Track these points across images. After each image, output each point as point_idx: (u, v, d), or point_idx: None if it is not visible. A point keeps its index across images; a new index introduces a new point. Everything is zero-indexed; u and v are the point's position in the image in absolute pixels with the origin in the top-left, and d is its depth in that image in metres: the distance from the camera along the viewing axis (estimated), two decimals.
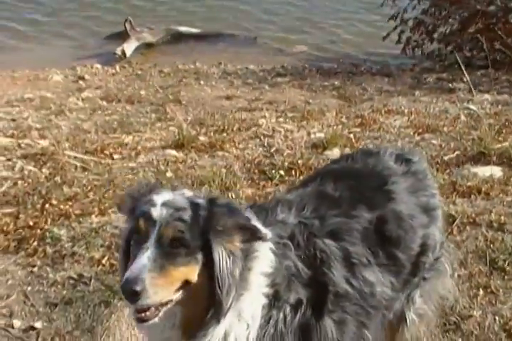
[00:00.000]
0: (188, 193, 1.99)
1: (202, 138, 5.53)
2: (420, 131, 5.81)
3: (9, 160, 4.72)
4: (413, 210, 2.32)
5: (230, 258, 1.85)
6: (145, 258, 1.80)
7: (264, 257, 1.92)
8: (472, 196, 4.15)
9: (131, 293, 1.78)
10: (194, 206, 1.89)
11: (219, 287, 1.83)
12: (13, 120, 5.86)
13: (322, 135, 5.71)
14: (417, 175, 2.45)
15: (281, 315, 1.92)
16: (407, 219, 2.28)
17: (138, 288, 1.76)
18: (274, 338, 1.92)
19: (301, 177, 4.57)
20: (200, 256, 1.84)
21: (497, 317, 3.00)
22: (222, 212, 1.89)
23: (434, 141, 5.50)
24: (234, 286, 1.84)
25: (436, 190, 2.53)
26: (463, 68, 6.35)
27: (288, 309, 1.93)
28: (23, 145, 5.08)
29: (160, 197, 1.91)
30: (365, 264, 2.13)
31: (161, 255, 1.81)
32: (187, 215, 1.86)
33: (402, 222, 2.27)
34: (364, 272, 2.12)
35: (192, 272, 1.85)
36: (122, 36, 10.54)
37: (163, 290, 1.82)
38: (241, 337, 1.90)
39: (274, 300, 1.92)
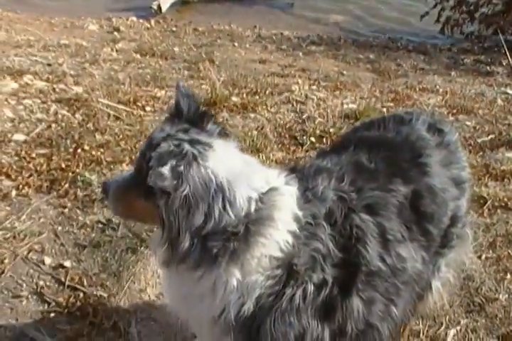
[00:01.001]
0: (186, 133, 1.87)
1: (234, 98, 5.50)
2: (454, 111, 5.75)
3: (44, 103, 4.72)
4: (446, 184, 2.31)
5: (171, 210, 1.76)
6: (124, 176, 2.02)
7: (272, 242, 1.86)
8: (505, 180, 4.12)
9: (103, 190, 2.08)
10: (151, 147, 1.82)
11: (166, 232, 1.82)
12: (49, 65, 5.84)
13: (355, 106, 5.66)
14: (450, 146, 2.42)
15: (300, 292, 1.90)
16: (440, 193, 2.27)
17: (105, 192, 2.03)
18: (288, 312, 1.90)
19: None
20: (150, 200, 1.80)
21: None
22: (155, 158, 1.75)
23: (468, 123, 5.44)
24: (181, 239, 1.79)
25: (466, 163, 2.51)
26: (506, 50, 6.20)
27: (310, 288, 1.91)
28: (57, 89, 5.07)
29: (167, 127, 1.91)
30: (400, 240, 2.11)
31: (130, 182, 1.93)
32: (148, 155, 1.80)
33: (435, 196, 2.25)
34: (398, 248, 2.10)
35: (140, 211, 1.92)
36: None
37: (118, 209, 2.04)
38: (230, 304, 1.88)
39: (288, 279, 1.89)
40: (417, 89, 6.63)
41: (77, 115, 4.61)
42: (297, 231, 1.89)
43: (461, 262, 2.65)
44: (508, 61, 6.62)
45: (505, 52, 6.21)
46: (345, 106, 5.71)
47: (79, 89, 5.19)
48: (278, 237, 1.87)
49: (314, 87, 6.33)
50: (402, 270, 2.11)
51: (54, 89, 5.05)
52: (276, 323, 1.90)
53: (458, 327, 2.79)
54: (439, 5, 9.63)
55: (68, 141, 4.10)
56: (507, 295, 3.02)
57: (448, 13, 9.66)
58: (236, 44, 8.60)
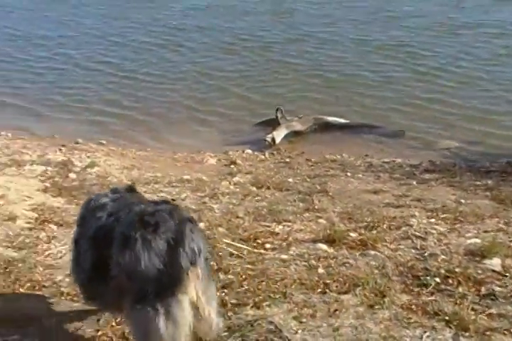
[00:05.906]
0: None
1: (352, 234, 5.47)
2: None
3: None
4: None
5: None
6: None
7: None
8: None
9: None
10: None
11: None
12: (173, 200, 6.21)
13: (479, 241, 5.41)
14: None
15: None
16: None
17: None
18: None
19: (460, 288, 4.33)
20: None
21: None
22: None
23: None
24: None
25: None
26: None
27: None
28: None
29: None
30: None
31: None
32: None
33: None
34: None
35: None
36: (272, 124, 11.02)
37: None
38: None
39: None
40: None
41: None
42: None
43: None
44: None
45: None
46: (468, 241, 5.48)
47: (200, 225, 5.41)
48: None
49: (433, 220, 6.16)
50: None
51: None
52: None
53: None
54: None
55: None
56: None
57: None
58: (349, 174, 8.70)
